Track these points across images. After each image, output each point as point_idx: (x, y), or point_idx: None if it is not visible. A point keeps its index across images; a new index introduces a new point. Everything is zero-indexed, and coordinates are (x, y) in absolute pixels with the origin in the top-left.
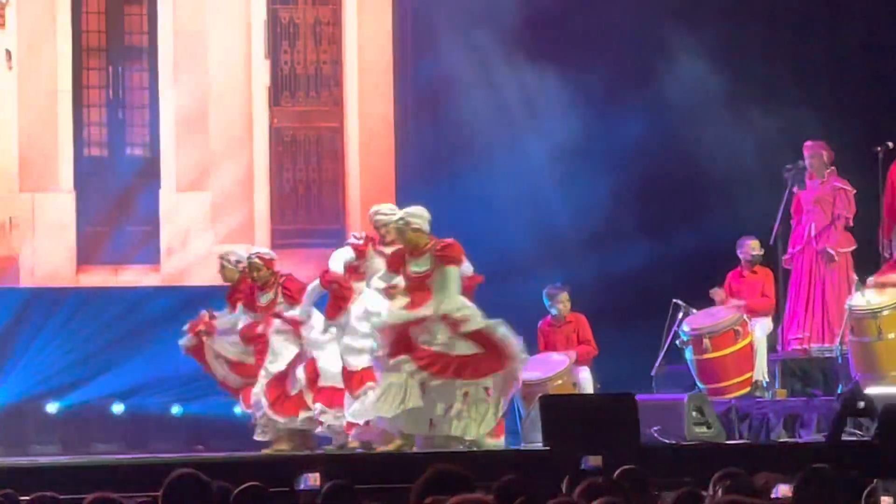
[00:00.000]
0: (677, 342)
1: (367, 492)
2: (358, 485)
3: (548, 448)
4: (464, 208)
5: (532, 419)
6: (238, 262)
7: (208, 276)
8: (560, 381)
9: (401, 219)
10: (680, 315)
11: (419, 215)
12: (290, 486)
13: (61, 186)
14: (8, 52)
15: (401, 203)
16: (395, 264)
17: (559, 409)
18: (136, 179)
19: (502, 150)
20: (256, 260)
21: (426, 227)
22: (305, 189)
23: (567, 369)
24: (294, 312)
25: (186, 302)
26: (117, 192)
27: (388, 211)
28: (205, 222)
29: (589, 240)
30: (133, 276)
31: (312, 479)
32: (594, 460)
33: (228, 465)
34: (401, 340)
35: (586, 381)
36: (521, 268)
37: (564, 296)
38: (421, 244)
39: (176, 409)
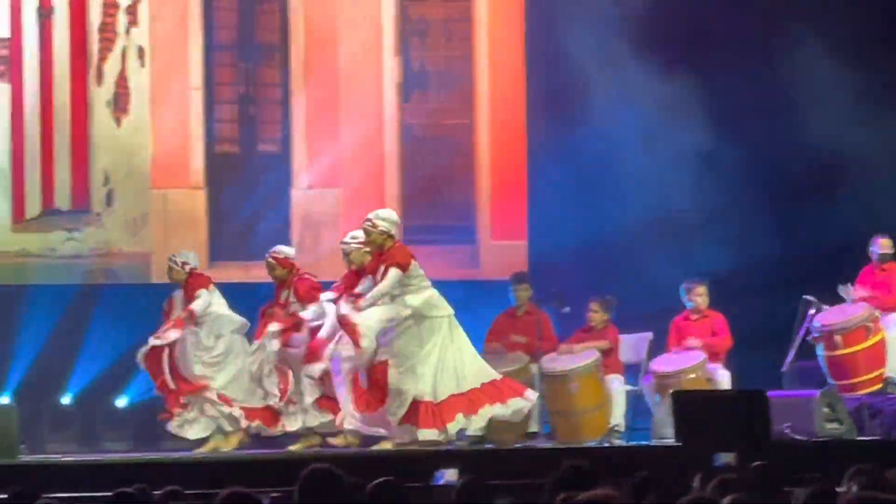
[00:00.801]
0: (808, 338)
1: (501, 488)
2: (491, 481)
3: (679, 444)
4: (594, 205)
5: (664, 414)
6: (184, 263)
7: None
8: (694, 375)
9: (368, 220)
10: (811, 311)
11: (386, 218)
12: (426, 482)
13: (193, 183)
14: (140, 50)
15: (531, 201)
16: (370, 268)
17: (691, 404)
18: (267, 176)
19: (633, 148)
20: (270, 259)
21: (394, 230)
22: (435, 186)
23: (701, 364)
24: (306, 313)
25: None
26: (249, 189)
27: (350, 239)
28: (335, 219)
29: (722, 238)
30: (264, 273)
31: (450, 475)
32: (726, 457)
33: (362, 460)
34: None
35: (723, 377)
36: (648, 261)
37: (702, 289)
38: (385, 247)
39: None
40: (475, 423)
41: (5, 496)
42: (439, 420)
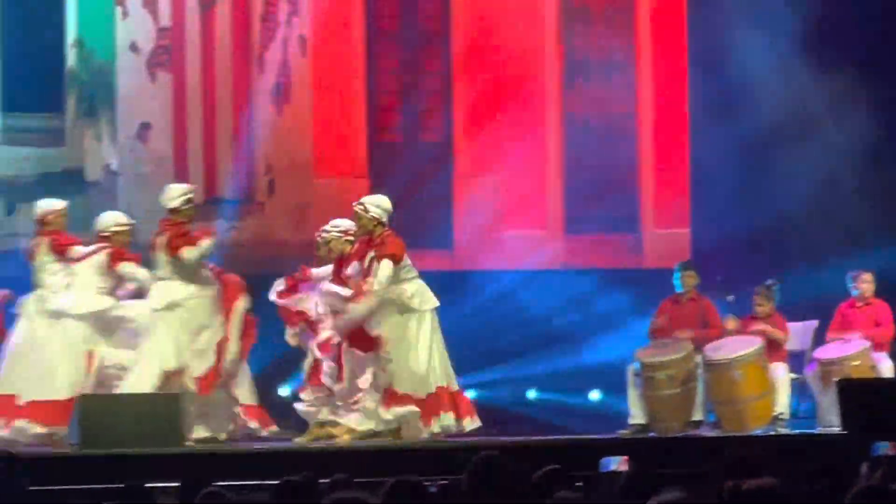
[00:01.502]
0: None
1: (667, 477)
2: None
3: (845, 432)
4: (757, 193)
5: (829, 402)
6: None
7: (501, 260)
8: (858, 363)
9: (360, 204)
10: None
11: (378, 204)
12: (592, 470)
13: (355, 171)
14: (302, 39)
15: (693, 189)
16: (358, 254)
17: (856, 392)
18: (429, 164)
19: (797, 137)
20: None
21: (385, 218)
22: (598, 173)
23: (865, 351)
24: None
25: (478, 286)
26: (410, 177)
27: (330, 227)
28: (497, 207)
29: (889, 227)
30: (425, 261)
31: (618, 464)
32: (886, 446)
33: (530, 448)
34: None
35: (887, 366)
36: (813, 249)
37: (868, 276)
38: (375, 234)
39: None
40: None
41: (175, 483)
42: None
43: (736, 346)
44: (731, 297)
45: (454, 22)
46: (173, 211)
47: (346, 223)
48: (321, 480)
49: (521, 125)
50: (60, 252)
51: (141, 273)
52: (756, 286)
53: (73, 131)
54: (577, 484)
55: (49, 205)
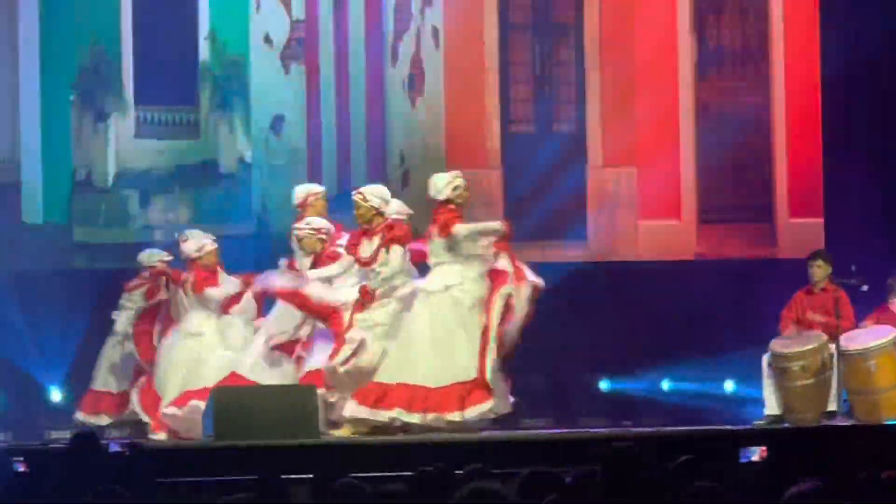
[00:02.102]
0: None
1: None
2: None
3: None
4: (893, 181)
5: None
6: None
7: (636, 251)
8: None
9: (359, 193)
10: None
11: (377, 194)
12: (729, 461)
13: (489, 163)
14: (435, 30)
15: (827, 178)
16: (353, 245)
17: None
18: (562, 155)
19: None
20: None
21: (384, 207)
22: (732, 164)
23: None
24: None
25: (613, 277)
26: (544, 169)
27: (303, 225)
28: (632, 198)
29: None
30: (560, 252)
31: (757, 454)
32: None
33: (665, 438)
34: None
35: None
36: None
37: None
38: (374, 224)
39: (603, 384)
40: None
41: (309, 476)
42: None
43: (871, 337)
44: (865, 287)
45: (587, 12)
46: (445, 202)
47: (318, 221)
48: (456, 471)
49: (655, 116)
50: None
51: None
52: (890, 276)
53: (206, 124)
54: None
55: (308, 189)
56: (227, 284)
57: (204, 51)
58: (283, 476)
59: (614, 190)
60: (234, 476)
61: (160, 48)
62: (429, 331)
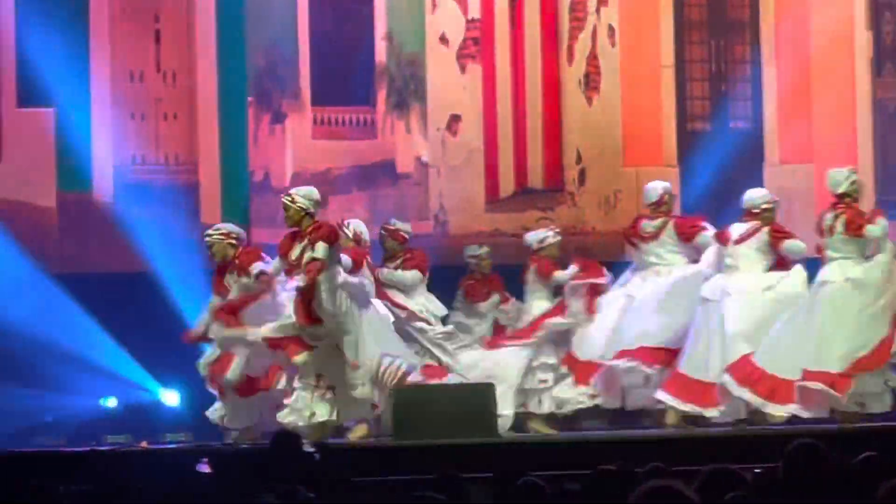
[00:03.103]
0: None
1: None
2: None
3: None
4: None
5: None
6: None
7: (813, 248)
8: None
9: (288, 195)
10: None
11: (306, 195)
12: None
13: (665, 161)
14: (611, 28)
15: None
16: (283, 248)
17: None
18: (738, 153)
19: None
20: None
21: (313, 209)
22: None
23: None
24: None
25: None
26: (720, 166)
27: (213, 231)
28: (809, 194)
29: None
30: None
31: None
32: None
33: (846, 434)
34: None
35: None
36: None
37: None
38: (303, 225)
39: None
40: None
41: (489, 474)
42: None
43: None
44: None
45: (762, 9)
46: (842, 196)
47: (228, 226)
48: (636, 469)
49: (832, 112)
50: (686, 235)
51: (798, 246)
52: None
53: (383, 124)
54: None
55: (659, 186)
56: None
57: (381, 51)
58: (462, 475)
59: (791, 186)
60: (414, 475)
61: (337, 49)
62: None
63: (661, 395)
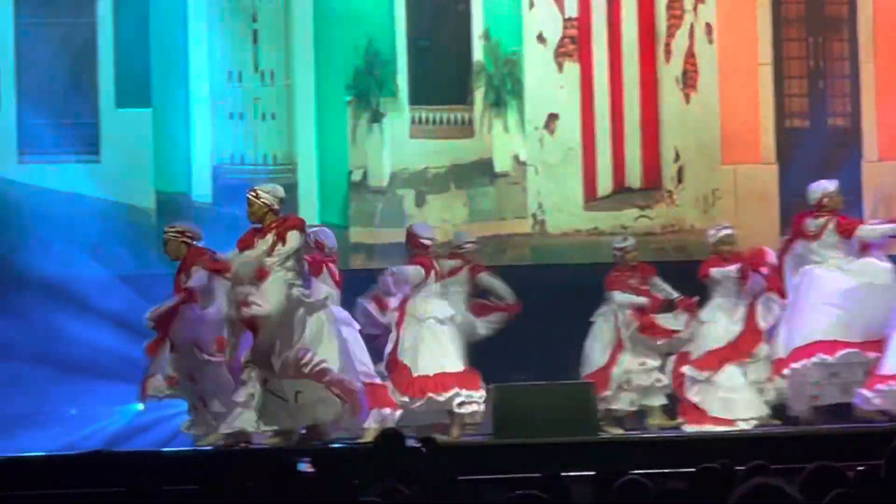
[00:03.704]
0: None
1: None
2: None
3: None
4: None
5: None
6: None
7: None
8: None
9: (252, 191)
10: None
11: (270, 191)
12: None
13: (764, 159)
14: (708, 26)
15: None
16: (243, 243)
17: None
18: (836, 150)
19: None
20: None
21: (277, 205)
22: None
23: None
24: None
25: None
26: (819, 164)
27: (168, 227)
28: None
29: None
30: None
31: None
32: None
33: None
34: None
35: None
36: None
37: None
38: (266, 221)
39: None
40: None
41: (590, 473)
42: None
43: None
44: None
45: (860, 5)
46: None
47: (185, 225)
48: (737, 467)
49: None
50: (846, 232)
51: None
52: None
53: (481, 123)
54: None
55: (822, 186)
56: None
57: (478, 50)
58: (563, 474)
59: (891, 183)
60: (516, 474)
61: (434, 48)
62: None
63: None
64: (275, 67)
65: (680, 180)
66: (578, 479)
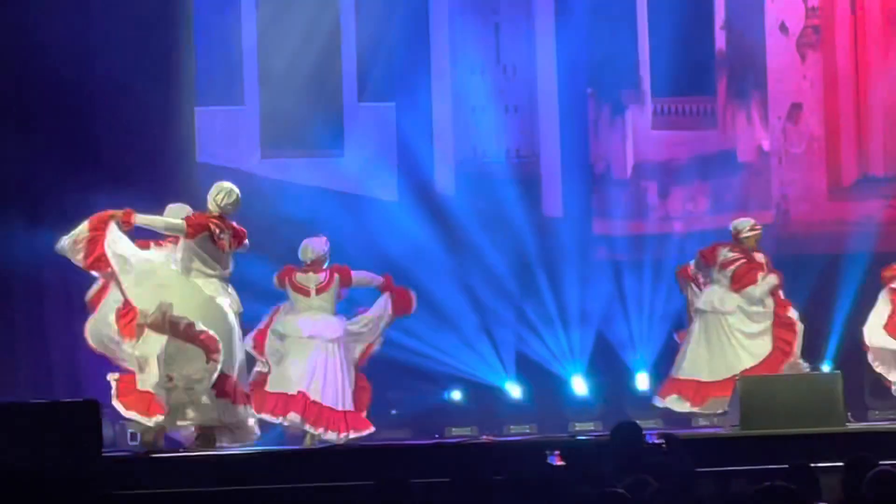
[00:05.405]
0: None
1: None
2: None
3: None
4: None
5: None
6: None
7: None
8: None
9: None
10: None
11: (219, 188)
12: None
13: None
14: None
15: None
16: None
17: None
18: None
19: None
20: None
21: (231, 204)
22: None
23: None
24: None
25: None
26: None
27: None
28: None
29: None
30: None
31: None
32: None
33: None
34: None
35: None
36: None
37: None
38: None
39: None
40: None
41: (839, 463)
42: None
43: None
44: None
45: None
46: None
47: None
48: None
49: None
50: None
51: None
52: None
53: (724, 113)
54: None
55: None
56: None
57: (720, 40)
58: (812, 465)
59: None
60: (763, 465)
61: (677, 39)
62: None
63: None
64: (517, 60)
65: None
66: (828, 471)
